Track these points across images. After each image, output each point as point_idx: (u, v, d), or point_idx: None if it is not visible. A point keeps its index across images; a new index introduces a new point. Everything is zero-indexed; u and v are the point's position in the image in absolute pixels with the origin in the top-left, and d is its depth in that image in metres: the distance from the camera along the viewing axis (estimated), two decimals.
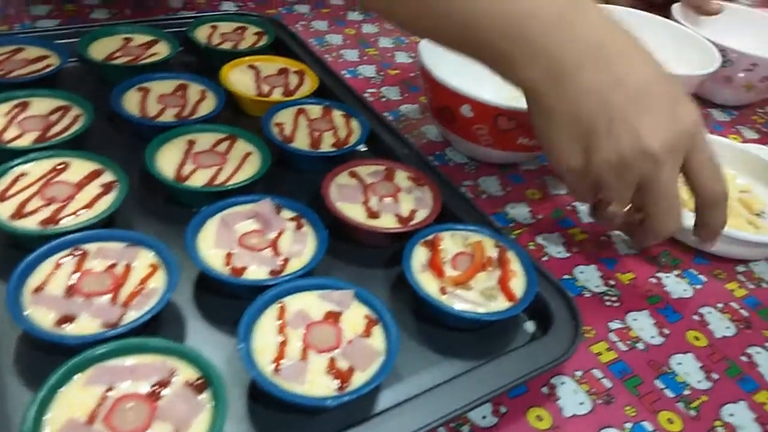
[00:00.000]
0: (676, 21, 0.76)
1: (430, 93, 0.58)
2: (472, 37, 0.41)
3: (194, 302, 0.41)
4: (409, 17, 0.43)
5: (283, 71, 0.63)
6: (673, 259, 0.53)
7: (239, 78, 0.61)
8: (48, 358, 0.34)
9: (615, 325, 0.46)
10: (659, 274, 0.51)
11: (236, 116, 0.58)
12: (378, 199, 0.49)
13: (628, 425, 0.39)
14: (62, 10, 0.75)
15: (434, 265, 0.43)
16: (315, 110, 0.58)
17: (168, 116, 0.54)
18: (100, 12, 0.76)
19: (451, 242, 0.45)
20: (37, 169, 0.45)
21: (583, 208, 0.56)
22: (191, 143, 0.51)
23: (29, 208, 0.42)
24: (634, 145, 0.38)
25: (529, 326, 0.43)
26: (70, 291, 0.37)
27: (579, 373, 0.42)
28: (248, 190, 0.47)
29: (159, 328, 0.39)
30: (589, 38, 0.39)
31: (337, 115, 0.58)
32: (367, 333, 0.38)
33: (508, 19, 0.39)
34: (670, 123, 0.38)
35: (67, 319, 0.36)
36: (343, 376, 0.35)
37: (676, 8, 0.79)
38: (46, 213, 0.42)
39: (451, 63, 0.53)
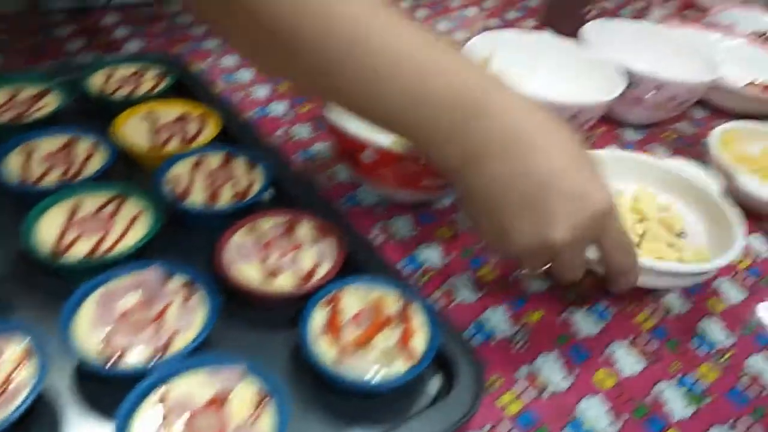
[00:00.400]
0: (585, 42, 0.77)
1: (333, 137, 0.56)
2: (383, 112, 0.39)
3: (74, 391, 0.38)
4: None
5: (182, 118, 0.60)
6: (581, 296, 0.52)
7: (134, 129, 0.58)
8: None
9: (524, 370, 0.45)
10: (569, 310, 0.51)
11: (130, 171, 0.55)
12: (278, 256, 0.47)
13: None
14: None
15: (332, 328, 0.41)
16: (215, 159, 0.56)
17: (52, 178, 0.51)
18: None
19: (354, 298, 0.44)
20: None
21: None
22: (75, 207, 0.48)
23: None
24: (535, 235, 0.38)
25: (435, 383, 0.42)
26: None
27: (487, 428, 0.41)
28: (137, 256, 0.45)
29: (32, 423, 0.36)
30: (505, 126, 0.38)
31: (239, 163, 0.56)
32: (256, 416, 0.36)
33: (425, 99, 0.38)
34: (574, 212, 0.38)
35: None
36: None
37: (585, 30, 0.80)
38: None
39: None
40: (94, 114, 0.61)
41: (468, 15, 1.05)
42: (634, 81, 0.71)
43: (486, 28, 1.00)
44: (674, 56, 0.81)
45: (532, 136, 0.38)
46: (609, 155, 0.60)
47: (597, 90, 0.67)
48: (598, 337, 0.49)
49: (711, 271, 0.49)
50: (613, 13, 1.12)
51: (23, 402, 0.34)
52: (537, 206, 0.38)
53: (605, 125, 0.77)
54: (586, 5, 1.00)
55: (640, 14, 1.13)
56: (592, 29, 0.81)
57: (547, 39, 0.76)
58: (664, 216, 0.57)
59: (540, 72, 0.73)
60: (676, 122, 0.81)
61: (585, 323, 0.50)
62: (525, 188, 0.38)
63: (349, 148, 0.54)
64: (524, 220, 0.38)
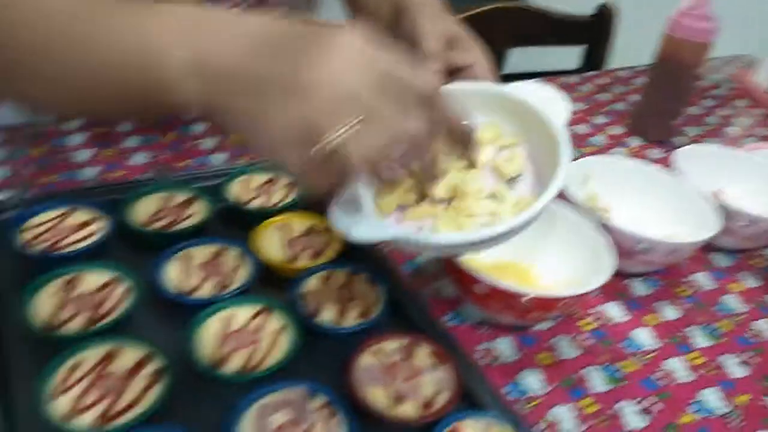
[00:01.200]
0: (677, 169, 0.81)
1: (446, 265, 0.62)
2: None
3: None
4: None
5: (311, 230, 0.68)
6: None
7: (269, 240, 0.65)
8: None
9: None
10: None
11: (270, 280, 0.62)
12: (401, 382, 0.52)
13: None
14: (101, 154, 0.81)
15: None
16: (341, 276, 0.62)
17: (208, 287, 0.58)
18: (139, 156, 0.82)
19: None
20: (89, 356, 0.49)
21: (593, 376, 0.60)
22: (228, 320, 0.55)
23: (85, 402, 0.46)
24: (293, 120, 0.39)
25: None
26: None
27: None
28: (281, 372, 0.51)
29: None
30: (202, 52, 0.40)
31: (360, 281, 0.62)
32: None
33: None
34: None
35: None
36: None
37: (678, 156, 0.84)
38: (99, 409, 0.46)
39: None
40: (235, 221, 0.69)
41: None
42: (727, 214, 0.75)
43: (573, 135, 1.05)
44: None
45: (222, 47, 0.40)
46: (459, 88, 0.55)
47: (692, 225, 0.71)
48: None
49: (488, 237, 0.46)
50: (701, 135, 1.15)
51: None
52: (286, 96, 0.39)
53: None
54: (677, 115, 1.05)
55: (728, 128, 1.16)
56: (683, 155, 0.85)
57: (639, 166, 0.81)
58: (499, 160, 0.53)
59: (631, 199, 0.78)
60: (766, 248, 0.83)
61: None
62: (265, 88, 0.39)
63: (462, 281, 0.60)
64: (278, 113, 0.39)
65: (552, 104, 0.53)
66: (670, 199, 0.77)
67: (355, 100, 0.39)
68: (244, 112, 0.40)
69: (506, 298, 0.57)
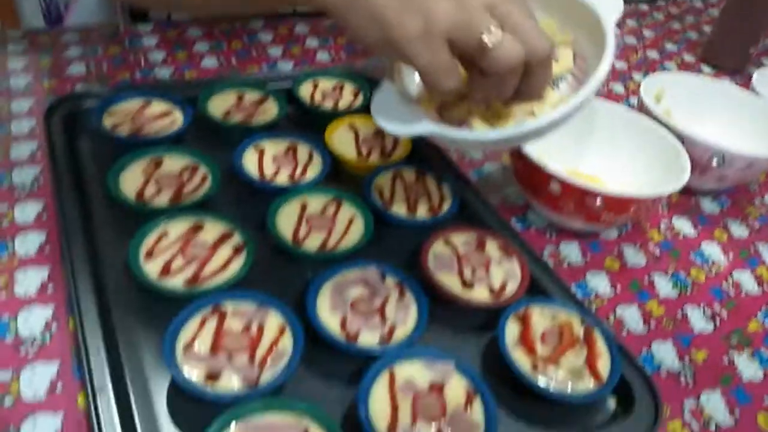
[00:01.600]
0: (755, 91, 0.78)
1: (519, 163, 0.62)
2: None
3: (308, 360, 0.47)
4: None
5: (379, 132, 0.68)
6: (746, 339, 0.55)
7: (341, 139, 0.66)
8: (199, 409, 0.41)
9: (689, 404, 0.49)
10: (732, 353, 0.54)
11: (338, 175, 0.64)
12: (471, 270, 0.53)
13: None
14: (173, 55, 0.83)
15: (526, 342, 0.47)
16: (410, 174, 0.63)
17: (283, 176, 0.60)
18: (209, 60, 0.83)
19: (541, 318, 0.50)
20: (175, 228, 0.52)
21: (660, 282, 0.60)
22: (304, 206, 0.57)
23: (174, 267, 0.49)
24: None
25: (611, 403, 0.47)
26: (215, 349, 0.43)
27: None
28: (355, 254, 0.53)
29: (282, 386, 0.45)
30: None
31: (430, 179, 0.63)
32: (467, 405, 0.43)
33: None
34: None
35: (214, 375, 0.42)
36: None
37: (755, 78, 0.81)
38: (188, 273, 0.48)
39: None
40: (304, 120, 0.71)
41: (627, 43, 1.07)
42: None
43: (644, 59, 1.02)
44: None
45: None
46: None
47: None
48: (760, 383, 0.52)
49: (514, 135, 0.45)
50: None
51: (288, 367, 0.43)
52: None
53: None
54: (755, 42, 1.00)
55: None
56: (761, 78, 0.81)
57: (718, 85, 0.78)
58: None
59: (710, 118, 0.75)
60: None
61: (747, 368, 0.53)
62: None
63: (533, 178, 0.60)
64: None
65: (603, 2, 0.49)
66: (745, 118, 0.74)
67: (495, 8, 0.40)
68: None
69: (579, 198, 0.57)
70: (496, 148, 0.50)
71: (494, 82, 0.42)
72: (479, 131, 0.47)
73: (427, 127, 0.46)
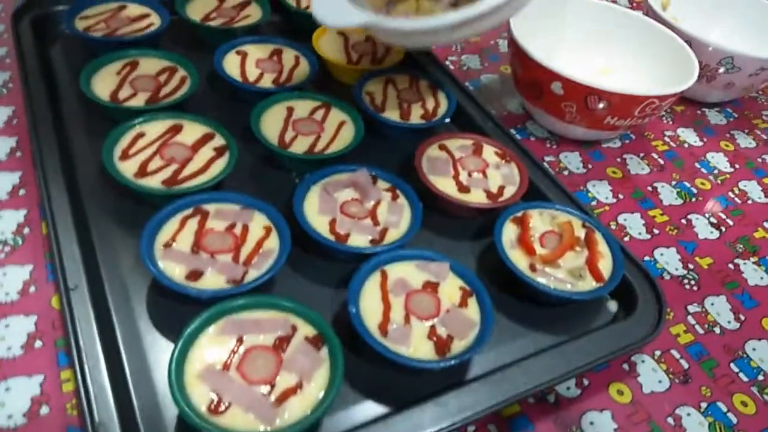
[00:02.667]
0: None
1: (519, 68, 0.59)
2: None
3: (296, 262, 0.44)
4: None
5: (370, 38, 0.64)
6: (752, 246, 0.54)
7: (329, 45, 0.62)
8: (178, 308, 0.38)
9: (693, 308, 0.48)
10: (737, 261, 0.52)
11: (327, 82, 0.60)
12: (467, 174, 0.51)
13: (704, 405, 0.41)
14: None
15: (524, 243, 0.45)
16: (403, 80, 0.60)
17: (267, 81, 0.56)
18: None
19: (540, 220, 0.47)
20: (153, 129, 0.49)
21: (664, 190, 0.57)
22: (290, 110, 0.53)
23: (151, 167, 0.46)
24: None
25: (612, 305, 0.45)
26: (196, 248, 0.41)
27: (658, 353, 0.44)
28: (344, 159, 0.50)
29: (269, 285, 0.42)
30: None
31: (424, 86, 0.59)
32: (463, 304, 0.41)
33: None
34: None
35: (196, 273, 0.39)
36: (443, 343, 0.38)
37: None
38: (167, 173, 0.45)
39: (540, 38, 0.54)
40: (289, 26, 0.66)
41: None
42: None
43: None
44: None
45: None
46: None
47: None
48: (766, 288, 0.50)
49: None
50: None
51: (274, 266, 0.40)
52: None
53: None
54: None
55: None
56: None
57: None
58: None
59: (716, 24, 0.72)
60: None
61: (753, 274, 0.51)
62: None
63: (536, 79, 0.56)
64: None
65: None
66: (753, 24, 0.71)
67: None
68: None
69: (582, 98, 0.54)
70: (435, 41, 0.48)
71: None
72: (418, 20, 0.44)
73: (362, 17, 0.44)
